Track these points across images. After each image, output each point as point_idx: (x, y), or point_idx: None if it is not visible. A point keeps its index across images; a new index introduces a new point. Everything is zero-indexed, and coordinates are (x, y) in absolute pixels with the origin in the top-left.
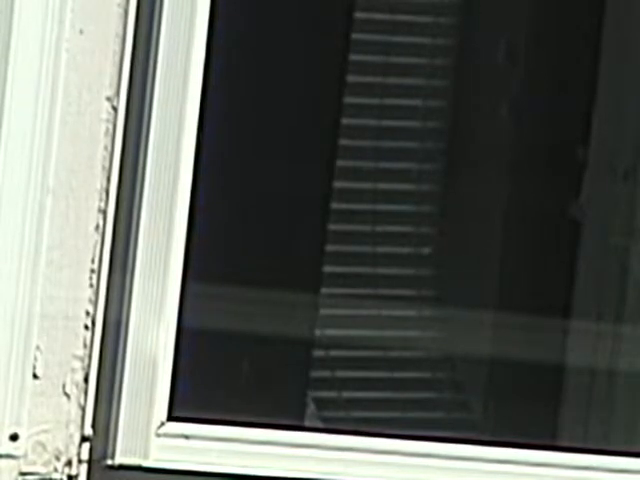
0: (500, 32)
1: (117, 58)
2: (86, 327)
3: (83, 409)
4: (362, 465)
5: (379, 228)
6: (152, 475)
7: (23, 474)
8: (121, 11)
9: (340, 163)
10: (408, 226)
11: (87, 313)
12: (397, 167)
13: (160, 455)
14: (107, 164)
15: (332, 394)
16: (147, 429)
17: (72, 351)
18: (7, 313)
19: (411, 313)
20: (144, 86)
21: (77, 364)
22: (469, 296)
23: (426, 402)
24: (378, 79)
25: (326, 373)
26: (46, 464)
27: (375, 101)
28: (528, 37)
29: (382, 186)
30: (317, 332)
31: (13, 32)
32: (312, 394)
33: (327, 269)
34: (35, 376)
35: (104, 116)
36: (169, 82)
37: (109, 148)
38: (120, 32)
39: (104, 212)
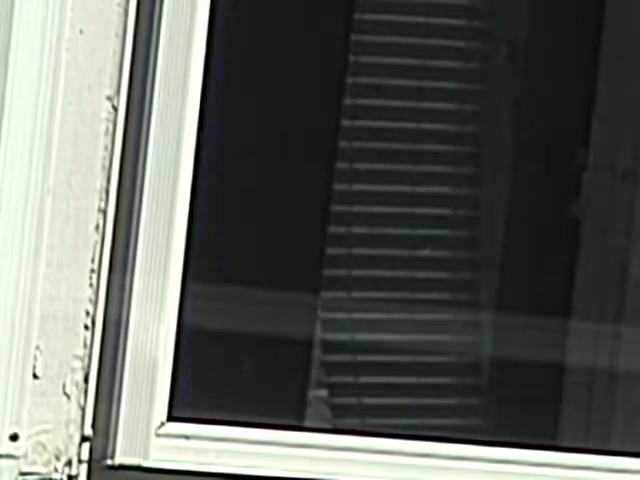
0: (501, 33)
1: (117, 58)
2: (86, 327)
3: (83, 409)
4: (362, 465)
5: (378, 230)
6: (152, 475)
7: (23, 474)
8: (121, 11)
9: (340, 165)
10: (406, 228)
11: (87, 313)
12: (397, 168)
13: (160, 455)
14: (107, 164)
15: (325, 395)
16: (147, 429)
17: (72, 351)
18: (7, 313)
19: (411, 316)
20: (144, 85)
21: (77, 364)
22: (468, 297)
23: (426, 405)
24: (378, 80)
25: (324, 374)
26: (46, 464)
27: (375, 103)
28: (529, 37)
29: (381, 187)
30: (316, 333)
31: (13, 32)
32: (311, 394)
33: (327, 272)
34: (35, 376)
35: (104, 115)
36: (169, 81)
37: (109, 148)
38: (120, 32)
39: (104, 212)
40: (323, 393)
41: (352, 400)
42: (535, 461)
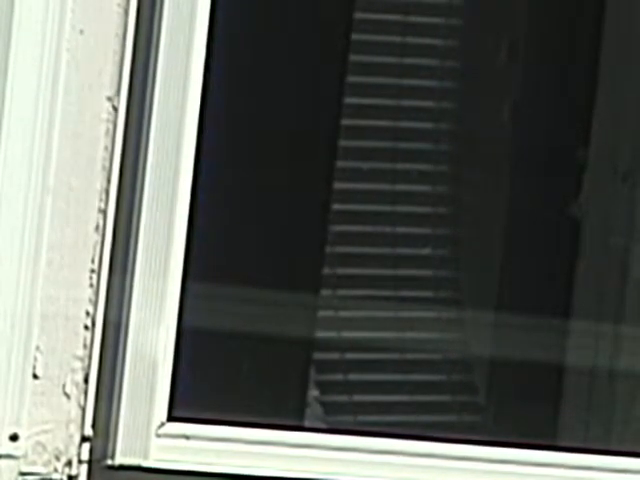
0: (501, 33)
1: (117, 58)
2: (86, 327)
3: (83, 409)
4: (362, 465)
5: (379, 229)
6: (152, 475)
7: (23, 474)
8: (121, 11)
9: (340, 164)
10: (404, 227)
11: (87, 313)
12: (397, 168)
13: (160, 455)
14: (107, 164)
15: (317, 394)
16: (147, 429)
17: (72, 351)
18: (7, 313)
19: (413, 314)
20: (144, 86)
21: (77, 364)
22: (470, 296)
23: (436, 405)
24: (378, 80)
25: (323, 374)
26: (46, 464)
27: (375, 102)
28: (528, 37)
29: (380, 187)
30: (316, 333)
31: (13, 32)
32: (315, 395)
33: (326, 270)
34: (35, 376)
35: (104, 116)
36: (169, 82)
37: (109, 148)
38: (120, 32)
39: (104, 212)
40: (315, 392)
41: (343, 398)
42: (535, 461)
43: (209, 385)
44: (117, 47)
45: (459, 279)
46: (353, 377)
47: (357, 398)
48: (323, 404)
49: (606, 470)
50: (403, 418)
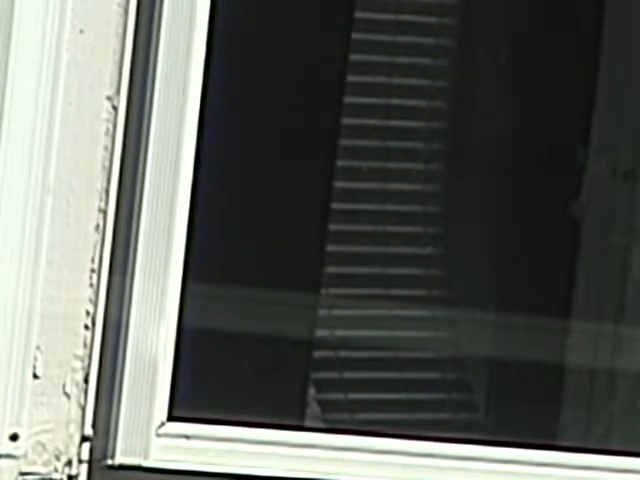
0: (500, 32)
1: (117, 57)
2: (86, 327)
3: (83, 409)
4: (362, 465)
5: (379, 228)
6: (152, 475)
7: (23, 474)
8: (121, 10)
9: (340, 163)
10: (404, 226)
11: (87, 313)
12: (398, 167)
13: (160, 455)
14: (107, 164)
15: (330, 395)
16: (147, 429)
17: (72, 351)
18: (7, 313)
19: (410, 313)
20: (144, 85)
21: (77, 364)
22: (470, 296)
23: (432, 402)
24: (378, 79)
25: (324, 374)
26: (46, 464)
27: (375, 101)
28: (528, 37)
29: (377, 186)
30: (316, 332)
31: (13, 32)
32: (312, 394)
33: (327, 269)
34: (35, 376)
35: (104, 116)
36: (169, 81)
37: (109, 148)
38: (120, 31)
39: (104, 212)
40: (311, 390)
41: (339, 396)
42: (535, 461)
43: (209, 385)
44: (117, 47)
45: (459, 279)
46: (349, 375)
47: (353, 396)
48: (320, 402)
49: (606, 470)
50: (399, 416)
